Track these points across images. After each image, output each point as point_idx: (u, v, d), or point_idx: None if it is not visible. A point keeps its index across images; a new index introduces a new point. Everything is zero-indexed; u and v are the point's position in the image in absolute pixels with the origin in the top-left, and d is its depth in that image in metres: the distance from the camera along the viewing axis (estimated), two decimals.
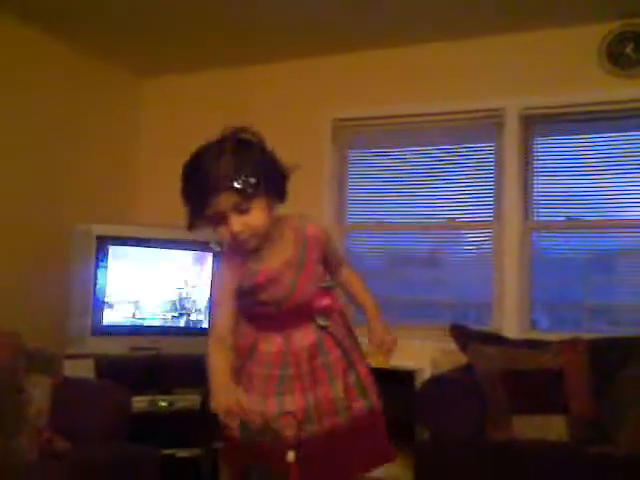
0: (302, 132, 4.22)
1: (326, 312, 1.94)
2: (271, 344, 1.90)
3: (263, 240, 1.84)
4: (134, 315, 3.65)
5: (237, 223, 1.77)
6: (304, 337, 1.91)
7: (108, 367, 3.38)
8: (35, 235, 3.83)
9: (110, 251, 3.62)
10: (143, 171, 4.66)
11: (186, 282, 3.77)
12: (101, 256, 3.59)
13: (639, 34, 3.59)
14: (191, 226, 1.82)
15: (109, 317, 3.60)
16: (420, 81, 4.07)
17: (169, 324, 3.72)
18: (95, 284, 3.56)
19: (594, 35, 3.68)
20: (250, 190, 1.74)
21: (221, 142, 1.77)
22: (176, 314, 3.73)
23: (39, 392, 2.73)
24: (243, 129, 1.80)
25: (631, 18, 3.59)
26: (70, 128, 4.19)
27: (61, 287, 3.61)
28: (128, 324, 3.65)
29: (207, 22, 3.85)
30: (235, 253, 1.87)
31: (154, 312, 3.71)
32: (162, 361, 3.58)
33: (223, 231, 1.79)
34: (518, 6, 3.57)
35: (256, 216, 1.78)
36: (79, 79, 4.26)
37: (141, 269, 3.70)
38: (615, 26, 3.64)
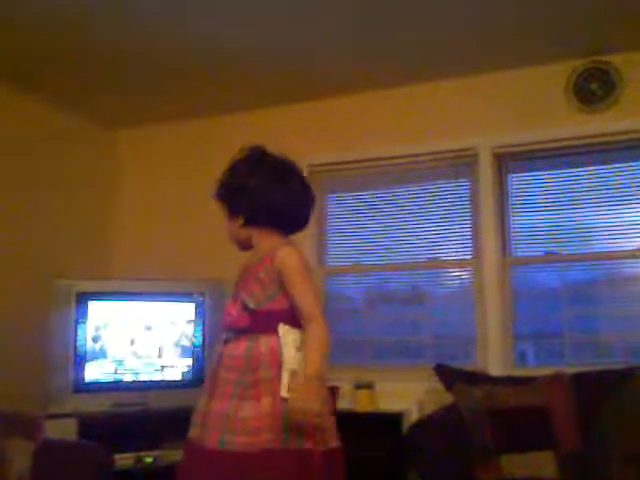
0: None
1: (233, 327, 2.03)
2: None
3: (240, 246, 2.15)
4: (116, 371, 3.62)
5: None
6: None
7: (91, 425, 3.33)
8: (12, 291, 3.79)
9: (90, 306, 3.59)
10: (121, 225, 4.65)
11: (168, 334, 3.74)
12: (81, 312, 3.56)
13: (604, 71, 3.68)
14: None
15: (91, 374, 3.56)
16: (392, 124, 4.13)
17: (152, 378, 3.67)
18: (75, 340, 3.54)
19: (561, 73, 3.77)
20: (219, 198, 2.12)
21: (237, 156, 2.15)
22: (159, 367, 3.69)
23: (20, 457, 2.68)
24: (252, 148, 2.17)
25: (596, 55, 3.68)
26: (47, 183, 4.19)
27: (40, 344, 3.56)
28: (110, 380, 3.61)
29: (180, 74, 3.89)
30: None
31: (136, 366, 3.67)
32: (146, 416, 3.53)
33: None
34: (487, 47, 3.65)
35: (227, 222, 2.12)
36: (55, 134, 4.27)
37: (122, 323, 3.67)
38: (580, 64, 3.72)
